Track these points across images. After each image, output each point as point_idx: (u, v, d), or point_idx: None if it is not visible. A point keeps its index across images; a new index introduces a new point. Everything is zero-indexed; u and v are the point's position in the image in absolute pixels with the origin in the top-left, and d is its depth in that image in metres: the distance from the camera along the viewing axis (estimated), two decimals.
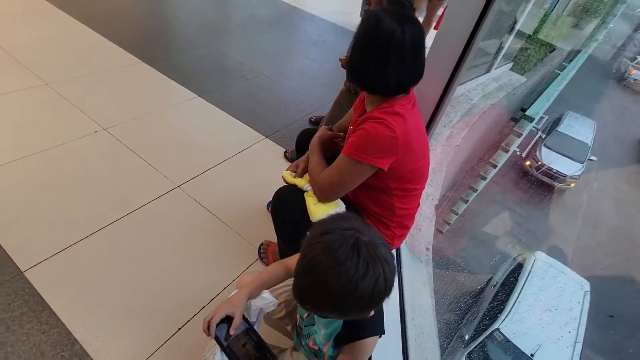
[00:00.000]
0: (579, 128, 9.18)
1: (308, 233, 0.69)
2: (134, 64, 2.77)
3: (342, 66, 2.01)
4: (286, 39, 4.12)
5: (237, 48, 3.51)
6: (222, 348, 0.83)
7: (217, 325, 0.85)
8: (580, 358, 3.87)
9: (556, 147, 8.45)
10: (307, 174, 1.24)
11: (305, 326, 0.98)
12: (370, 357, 1.00)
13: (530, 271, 4.66)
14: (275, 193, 1.21)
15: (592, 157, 8.67)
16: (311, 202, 1.12)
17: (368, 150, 0.99)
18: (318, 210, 1.11)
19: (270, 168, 2.08)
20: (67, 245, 1.43)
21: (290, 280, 1.18)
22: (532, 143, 8.48)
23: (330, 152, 1.25)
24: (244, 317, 0.89)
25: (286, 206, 1.18)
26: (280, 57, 3.58)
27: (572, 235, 8.09)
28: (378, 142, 0.98)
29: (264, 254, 1.53)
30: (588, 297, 4.63)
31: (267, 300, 0.92)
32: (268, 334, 1.25)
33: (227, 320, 0.86)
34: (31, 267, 1.33)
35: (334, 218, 0.69)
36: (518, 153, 7.96)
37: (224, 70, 3.04)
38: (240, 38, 3.79)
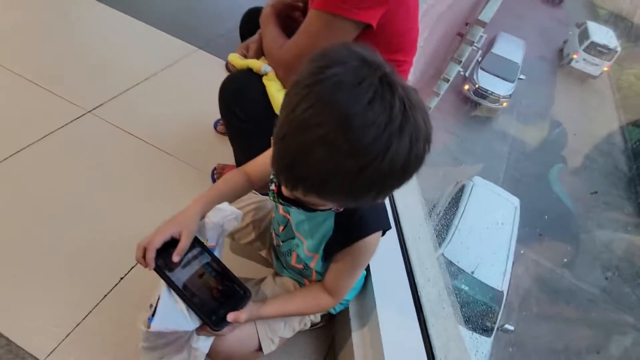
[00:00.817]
0: (510, 48, 9.16)
1: (293, 79, 0.42)
2: None
3: None
4: None
5: None
6: (168, 282, 0.58)
7: (160, 253, 0.59)
8: (512, 269, 4.32)
9: (490, 69, 8.51)
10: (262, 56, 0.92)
11: (283, 242, 0.78)
12: (369, 270, 0.85)
13: (469, 195, 4.92)
14: (223, 84, 0.89)
15: (521, 76, 8.86)
16: (274, 87, 0.83)
17: None
18: None
19: (210, 83, 1.66)
20: None
21: (256, 195, 0.94)
22: (472, 66, 8.66)
23: (287, 31, 0.93)
24: (198, 241, 0.65)
25: (240, 99, 0.87)
26: None
27: (505, 149, 8.81)
28: None
29: (218, 178, 1.24)
30: (518, 214, 5.06)
31: (227, 212, 0.66)
32: (240, 267, 1.03)
33: (174, 245, 0.61)
34: None
35: (335, 47, 0.42)
36: (462, 73, 8.07)
37: None
38: None
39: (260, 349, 0.73)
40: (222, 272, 0.64)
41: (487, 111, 8.67)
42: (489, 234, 4.67)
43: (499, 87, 8.30)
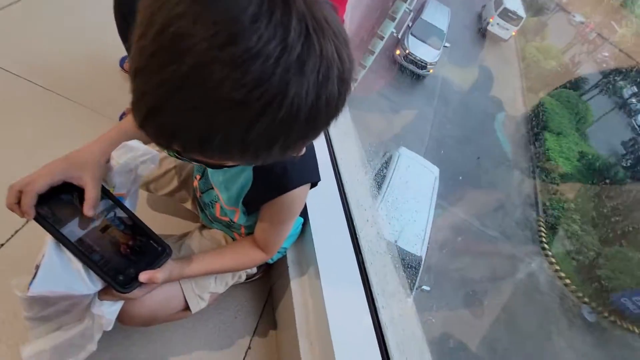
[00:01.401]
0: (437, 15, 9.40)
1: None
2: None
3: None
4: None
5: None
6: (57, 236, 0.45)
7: (46, 200, 0.46)
8: (430, 235, 4.75)
9: (420, 35, 8.67)
10: None
11: (202, 192, 0.69)
12: (306, 215, 0.80)
13: (395, 166, 5.11)
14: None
15: (446, 44, 9.13)
16: None
17: None
18: None
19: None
20: None
21: None
22: (403, 29, 8.82)
23: None
24: (102, 188, 0.52)
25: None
26: None
27: (430, 113, 9.42)
28: None
29: None
30: (437, 182, 5.45)
31: (139, 151, 0.54)
32: (160, 224, 0.90)
33: (66, 192, 0.47)
34: None
35: None
36: (395, 34, 8.17)
37: None
38: None
39: (187, 308, 0.65)
40: (133, 226, 0.53)
41: (415, 77, 8.98)
42: (411, 203, 4.95)
43: (427, 54, 8.49)
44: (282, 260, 0.83)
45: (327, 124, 0.34)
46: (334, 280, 0.71)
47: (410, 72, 8.64)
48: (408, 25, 8.89)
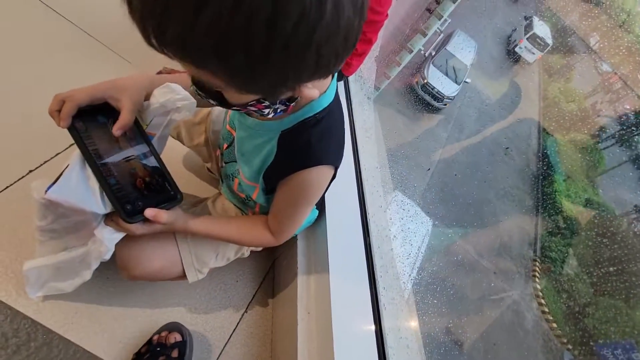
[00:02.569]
0: (463, 48, 8.89)
1: None
2: None
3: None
4: None
5: None
6: (84, 151, 0.47)
7: (84, 116, 0.48)
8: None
9: (441, 66, 8.19)
10: None
11: (226, 163, 0.68)
12: (324, 204, 0.80)
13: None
14: None
15: (467, 80, 8.71)
16: None
17: None
18: None
19: None
20: None
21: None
22: (426, 55, 8.53)
23: None
24: (136, 121, 0.54)
25: None
26: None
27: (444, 136, 9.33)
28: None
29: None
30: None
31: (179, 94, 0.55)
32: (182, 182, 0.93)
33: (106, 113, 0.50)
34: None
35: None
36: (422, 52, 8.11)
37: None
38: None
39: (184, 275, 0.65)
40: (154, 165, 0.55)
41: (430, 108, 8.45)
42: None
43: (445, 87, 8.00)
44: (291, 241, 0.84)
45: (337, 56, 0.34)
46: (340, 260, 0.73)
47: (426, 103, 8.17)
48: (431, 54, 8.55)
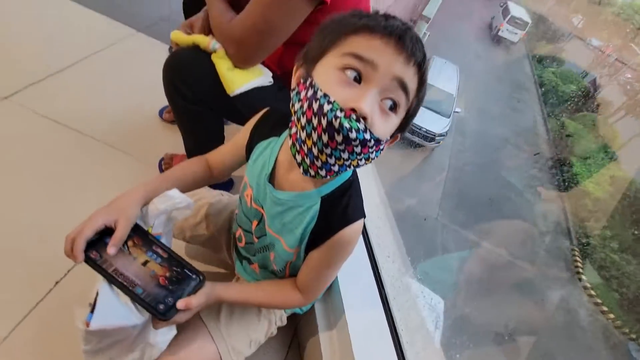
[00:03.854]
0: (445, 76, 8.10)
1: None
2: None
3: None
4: None
5: None
6: (105, 275, 0.52)
7: (94, 244, 0.53)
8: None
9: (424, 102, 7.77)
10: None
11: (258, 238, 0.68)
12: None
13: None
14: (167, 62, 0.82)
15: (457, 109, 7.85)
16: (224, 66, 0.78)
17: None
18: (236, 78, 0.79)
19: (152, 69, 1.54)
20: None
21: (209, 192, 0.84)
22: None
23: (233, 6, 0.87)
24: (139, 228, 0.58)
25: (187, 78, 0.81)
26: None
27: (448, 143, 9.15)
28: None
29: (167, 169, 1.16)
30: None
31: (176, 199, 0.60)
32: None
33: (110, 234, 0.54)
34: None
35: None
36: None
37: None
38: None
39: None
40: (169, 258, 0.58)
41: (421, 150, 7.50)
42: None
43: (434, 124, 7.03)
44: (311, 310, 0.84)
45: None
46: (357, 316, 0.74)
47: (417, 145, 7.27)
48: None
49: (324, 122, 0.45)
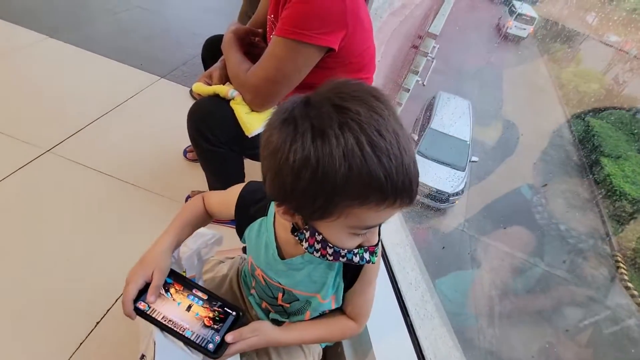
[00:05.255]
0: (454, 117, 6.65)
1: None
2: None
3: None
4: None
5: None
6: (156, 324, 0.56)
7: (141, 296, 0.57)
8: None
9: (431, 154, 5.92)
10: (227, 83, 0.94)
11: (289, 303, 0.66)
12: None
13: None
14: (191, 110, 0.89)
15: (474, 158, 6.25)
16: (242, 111, 0.85)
17: (311, 24, 0.74)
18: (254, 120, 0.85)
19: (175, 111, 1.66)
20: None
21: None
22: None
23: (249, 56, 0.95)
24: (176, 274, 0.62)
25: (210, 123, 0.87)
26: None
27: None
28: (323, 11, 0.74)
29: None
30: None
31: (207, 235, 0.65)
32: None
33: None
34: None
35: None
36: (420, 82, 8.23)
37: (79, 4, 2.31)
38: None
39: None
40: (209, 299, 0.62)
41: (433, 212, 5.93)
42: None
43: (445, 182, 5.68)
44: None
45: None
46: (386, 345, 0.74)
47: (427, 206, 5.82)
48: (413, 139, 6.27)
49: (343, 259, 0.49)
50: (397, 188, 0.38)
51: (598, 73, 12.64)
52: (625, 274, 6.70)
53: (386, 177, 0.37)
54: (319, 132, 0.37)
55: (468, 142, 6.28)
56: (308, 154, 0.37)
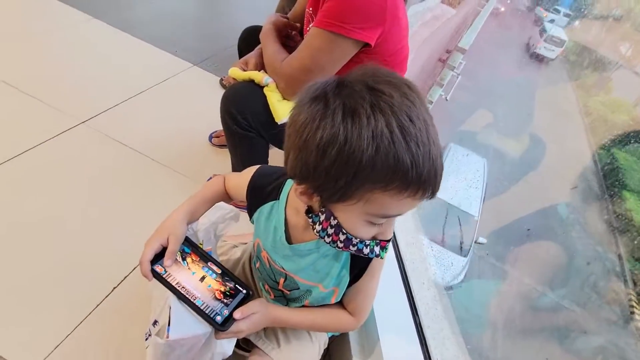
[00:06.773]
0: (465, 181, 5.42)
1: None
2: None
3: None
4: None
5: None
6: (171, 289, 0.57)
7: (158, 262, 0.59)
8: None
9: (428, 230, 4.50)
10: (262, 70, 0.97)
11: (290, 291, 0.68)
12: None
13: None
14: (225, 94, 0.92)
15: (482, 239, 4.90)
16: (275, 98, 0.87)
17: (351, 18, 0.76)
18: (285, 108, 0.87)
19: (204, 98, 1.72)
20: None
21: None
22: None
23: (285, 48, 0.98)
24: (193, 244, 0.64)
25: (242, 107, 0.90)
26: None
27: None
28: (364, 7, 0.76)
29: None
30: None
31: (226, 210, 0.66)
32: None
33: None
34: None
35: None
36: (443, 96, 8.19)
37: None
38: None
39: None
40: (222, 274, 0.64)
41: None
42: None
43: (448, 269, 4.46)
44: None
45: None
46: (393, 341, 0.74)
47: None
48: None
49: (353, 249, 0.49)
50: (422, 177, 0.37)
51: (628, 104, 12.29)
52: (638, 315, 6.44)
53: (412, 164, 0.36)
54: (350, 110, 0.37)
55: (476, 218, 4.90)
56: (337, 131, 0.37)
